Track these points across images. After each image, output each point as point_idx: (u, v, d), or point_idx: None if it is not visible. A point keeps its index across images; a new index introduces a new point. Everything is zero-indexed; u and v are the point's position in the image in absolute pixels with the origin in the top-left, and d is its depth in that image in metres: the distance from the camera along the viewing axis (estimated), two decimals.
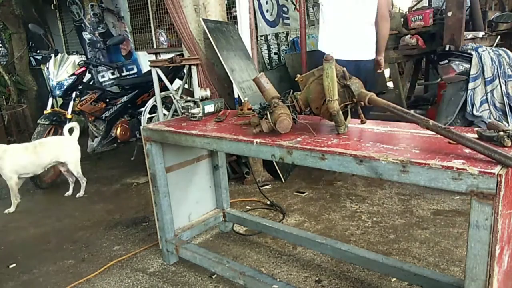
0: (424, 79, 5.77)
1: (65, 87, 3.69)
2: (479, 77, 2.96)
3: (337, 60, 1.58)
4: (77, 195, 3.46)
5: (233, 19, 4.69)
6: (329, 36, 2.96)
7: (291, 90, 1.70)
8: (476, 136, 1.31)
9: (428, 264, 2.10)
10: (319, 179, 3.40)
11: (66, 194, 3.49)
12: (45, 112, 3.69)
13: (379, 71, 3.22)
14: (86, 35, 5.79)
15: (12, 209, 3.24)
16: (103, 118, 4.10)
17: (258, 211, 2.92)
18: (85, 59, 3.96)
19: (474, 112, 2.93)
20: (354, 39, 2.90)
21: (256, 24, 4.23)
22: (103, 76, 5.15)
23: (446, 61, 3.14)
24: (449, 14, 3.27)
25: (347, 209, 2.81)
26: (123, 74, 5.61)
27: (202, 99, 2.15)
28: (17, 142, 4.75)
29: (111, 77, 5.30)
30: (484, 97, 2.98)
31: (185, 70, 3.53)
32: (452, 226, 2.46)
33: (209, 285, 2.07)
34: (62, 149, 3.34)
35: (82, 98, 3.89)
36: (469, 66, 2.99)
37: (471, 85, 2.96)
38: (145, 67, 5.66)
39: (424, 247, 2.26)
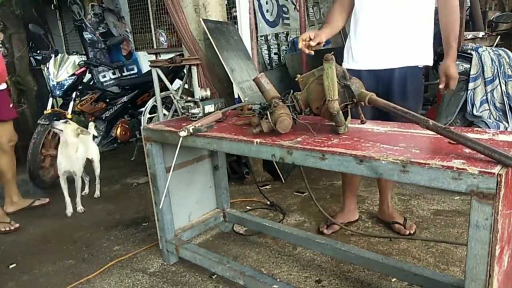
0: (424, 79, 5.77)
1: (65, 87, 3.69)
2: (479, 77, 2.96)
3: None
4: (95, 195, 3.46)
5: (233, 19, 4.69)
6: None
7: (291, 90, 1.70)
8: (477, 136, 1.31)
9: (428, 264, 2.10)
10: (319, 179, 3.40)
11: (83, 193, 3.43)
12: (45, 112, 3.69)
13: (442, 86, 2.09)
14: (87, 35, 5.79)
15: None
16: (103, 118, 4.10)
17: (258, 211, 2.92)
18: (86, 59, 3.95)
19: (474, 112, 2.93)
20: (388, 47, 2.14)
21: (256, 24, 4.23)
22: (104, 76, 5.15)
23: None
24: None
25: None
26: (123, 74, 5.62)
27: (202, 99, 2.15)
28: (17, 142, 4.75)
29: (112, 77, 5.31)
30: (484, 97, 2.98)
31: (185, 70, 3.53)
32: (452, 226, 2.46)
33: (209, 285, 2.07)
34: (89, 146, 3.31)
35: (82, 98, 3.89)
36: (469, 66, 2.99)
37: (471, 85, 2.96)
38: (145, 67, 5.66)
39: (424, 247, 2.26)
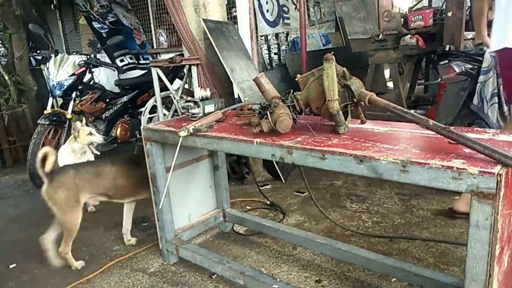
0: (424, 79, 5.78)
1: (65, 87, 3.69)
2: (491, 70, 2.94)
3: None
4: None
5: (233, 19, 4.69)
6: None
7: (291, 90, 1.70)
8: (477, 136, 1.31)
9: (428, 264, 2.10)
10: (319, 179, 3.40)
11: None
12: (45, 112, 3.69)
13: None
14: (97, 25, 5.79)
15: None
16: (103, 118, 4.09)
17: (258, 211, 2.92)
18: (85, 58, 3.95)
19: (484, 106, 2.91)
20: None
21: (256, 24, 4.23)
22: (122, 60, 5.15)
23: (446, 61, 3.14)
24: (449, 14, 3.28)
25: (347, 209, 2.81)
26: (140, 62, 5.65)
27: (202, 99, 2.15)
28: (17, 142, 4.76)
29: (130, 61, 5.34)
30: (496, 90, 2.95)
31: (185, 70, 3.53)
32: (452, 226, 2.46)
33: (209, 285, 2.07)
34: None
35: (82, 98, 3.89)
36: (469, 66, 2.99)
37: (481, 78, 2.92)
38: None
39: (424, 247, 2.26)
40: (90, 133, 3.01)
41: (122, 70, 4.96)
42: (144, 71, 4.61)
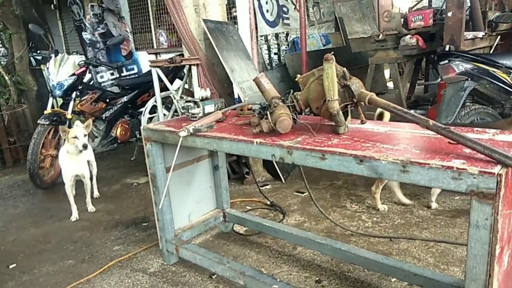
0: (424, 79, 5.78)
1: (65, 87, 3.69)
2: None
3: None
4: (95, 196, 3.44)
5: (233, 19, 4.69)
6: None
7: (291, 90, 1.70)
8: (477, 136, 1.31)
9: (428, 264, 2.10)
10: (319, 179, 3.40)
11: (95, 196, 3.43)
12: (45, 112, 3.69)
13: None
14: (86, 35, 5.79)
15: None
16: (103, 118, 4.10)
17: (258, 211, 2.92)
18: (85, 59, 3.95)
19: None
20: None
21: (256, 24, 4.23)
22: (102, 77, 5.13)
23: (446, 61, 3.14)
24: (449, 14, 3.28)
25: (347, 209, 2.81)
26: (123, 74, 5.62)
27: (202, 99, 2.15)
28: (17, 142, 4.76)
29: (111, 77, 5.31)
30: None
31: (185, 70, 3.53)
32: (452, 226, 2.46)
33: (209, 285, 2.07)
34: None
35: (82, 98, 3.89)
36: (469, 66, 2.99)
37: None
38: (145, 67, 5.69)
39: (424, 247, 2.26)
40: (75, 137, 2.90)
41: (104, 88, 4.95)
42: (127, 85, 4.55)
